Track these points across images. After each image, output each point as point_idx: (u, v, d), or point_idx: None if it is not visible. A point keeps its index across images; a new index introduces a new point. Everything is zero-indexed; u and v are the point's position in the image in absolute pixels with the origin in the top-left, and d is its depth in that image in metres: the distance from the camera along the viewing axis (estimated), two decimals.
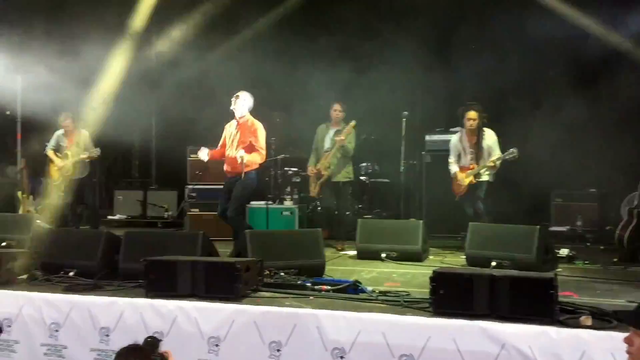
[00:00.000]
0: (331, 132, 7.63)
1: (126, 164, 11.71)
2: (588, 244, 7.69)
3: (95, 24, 8.80)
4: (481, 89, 8.18)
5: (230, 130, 6.86)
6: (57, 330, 4.47)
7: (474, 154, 7.02)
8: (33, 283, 5.04)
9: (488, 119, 7.09)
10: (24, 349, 4.54)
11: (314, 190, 7.76)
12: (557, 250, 6.33)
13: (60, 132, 8.38)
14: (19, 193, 9.25)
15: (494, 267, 5.59)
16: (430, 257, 6.78)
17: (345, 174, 7.60)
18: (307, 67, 8.41)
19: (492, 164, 6.84)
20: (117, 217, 10.20)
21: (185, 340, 4.19)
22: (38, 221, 7.21)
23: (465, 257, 6.12)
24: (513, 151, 6.76)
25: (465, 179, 7.02)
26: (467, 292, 3.84)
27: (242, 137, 6.68)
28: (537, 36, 8.06)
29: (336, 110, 7.60)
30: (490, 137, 7.00)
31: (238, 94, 6.79)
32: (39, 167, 9.32)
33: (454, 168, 7.17)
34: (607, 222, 7.99)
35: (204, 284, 4.38)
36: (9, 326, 4.56)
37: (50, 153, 8.35)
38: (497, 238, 5.93)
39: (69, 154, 8.19)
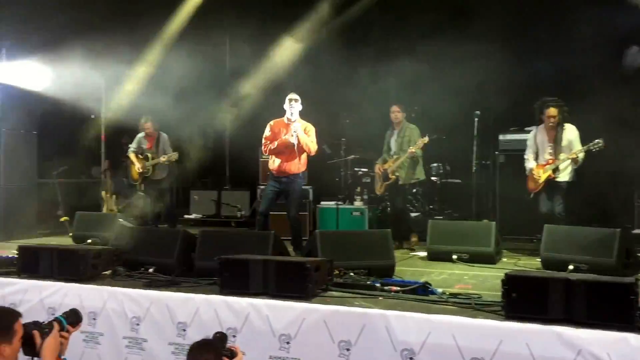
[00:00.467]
0: (395, 134, 7.62)
1: (201, 165, 12.08)
2: None
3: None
4: (556, 84, 7.91)
5: (280, 128, 6.93)
6: (138, 324, 4.70)
7: (553, 149, 6.70)
8: (116, 278, 5.30)
9: (569, 113, 6.78)
10: (107, 341, 4.81)
11: (379, 189, 7.77)
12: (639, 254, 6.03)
13: (141, 134, 8.78)
14: (103, 193, 9.77)
15: (571, 270, 5.42)
16: (504, 259, 6.63)
17: (412, 176, 7.55)
18: (377, 67, 8.42)
19: (574, 156, 6.50)
20: (193, 216, 10.57)
21: (257, 336, 4.31)
22: (120, 220, 7.59)
23: (540, 260, 5.96)
24: (598, 142, 6.36)
25: (543, 174, 6.70)
26: (541, 296, 3.74)
27: (299, 144, 6.79)
28: (616, 27, 7.69)
29: (394, 112, 7.61)
30: (571, 132, 6.66)
31: (296, 97, 6.87)
32: (121, 168, 9.81)
33: (530, 164, 6.88)
34: None
35: (275, 282, 4.47)
36: (94, 319, 4.83)
37: (131, 155, 8.76)
38: (575, 241, 5.71)
39: (149, 156, 8.57)
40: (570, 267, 5.46)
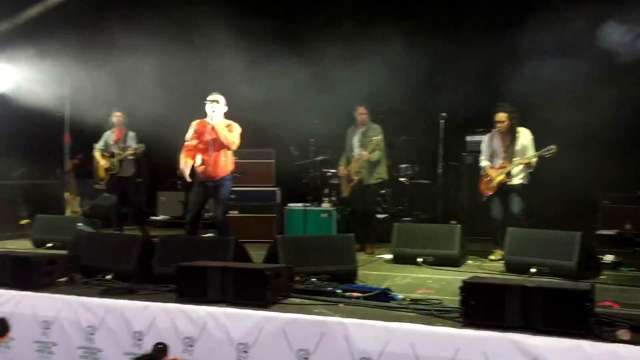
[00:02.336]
0: (358, 133, 7.58)
1: (170, 165, 11.90)
2: (637, 248, 7.40)
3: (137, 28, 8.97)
4: (524, 87, 7.93)
5: (202, 131, 6.57)
6: (92, 334, 4.57)
7: (506, 153, 6.73)
8: (73, 286, 5.16)
9: (519, 119, 6.75)
10: (61, 351, 4.66)
11: (345, 191, 7.72)
12: (601, 257, 6.08)
13: (108, 132, 8.55)
14: (66, 194, 9.56)
15: (534, 273, 5.48)
16: (469, 262, 6.63)
17: (376, 176, 7.51)
18: (346, 67, 8.35)
19: (527, 161, 6.54)
20: (160, 217, 10.41)
21: (215, 346, 4.22)
22: (79, 224, 7.40)
23: (504, 262, 5.97)
24: (551, 148, 6.41)
25: (497, 177, 6.72)
26: (498, 303, 3.72)
27: (220, 140, 6.47)
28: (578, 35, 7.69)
29: (361, 113, 7.56)
30: (525, 137, 6.69)
31: (217, 99, 6.47)
32: (87, 168, 9.61)
33: (484, 163, 6.93)
34: None
35: (234, 290, 4.38)
36: (48, 328, 4.69)
37: (96, 154, 8.51)
38: (538, 244, 5.76)
39: (115, 151, 8.34)
40: (533, 270, 5.52)
